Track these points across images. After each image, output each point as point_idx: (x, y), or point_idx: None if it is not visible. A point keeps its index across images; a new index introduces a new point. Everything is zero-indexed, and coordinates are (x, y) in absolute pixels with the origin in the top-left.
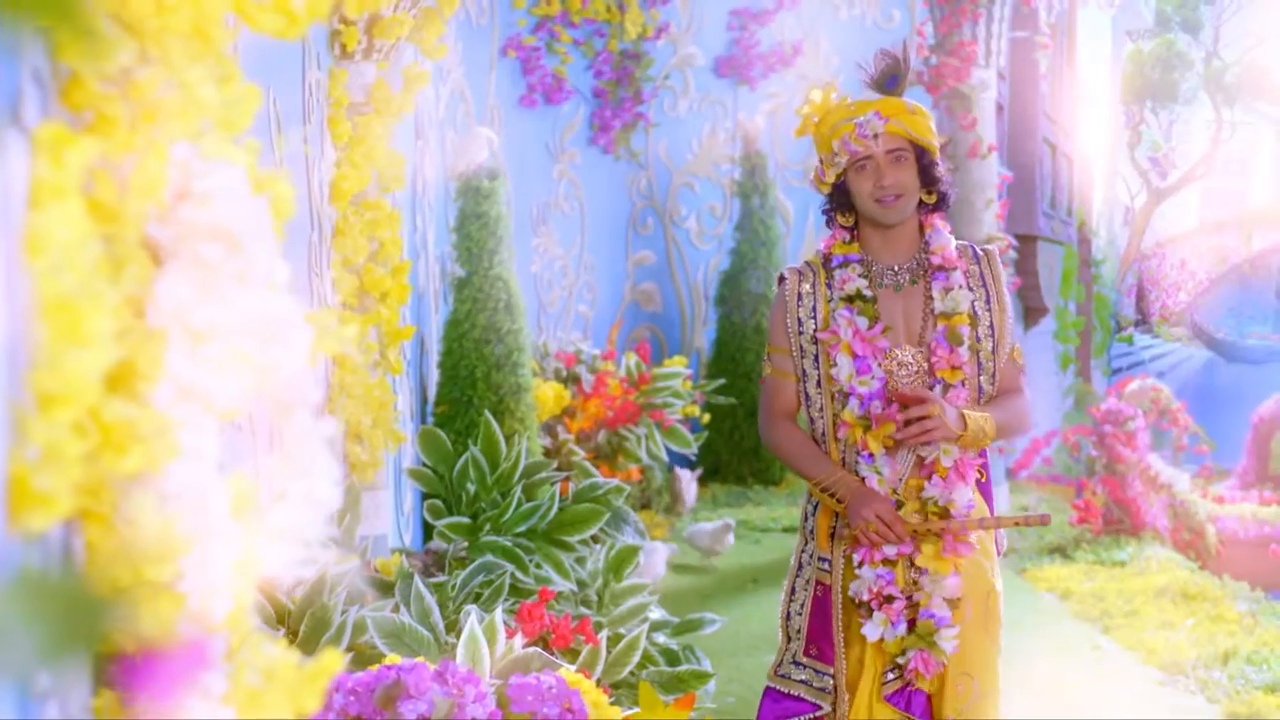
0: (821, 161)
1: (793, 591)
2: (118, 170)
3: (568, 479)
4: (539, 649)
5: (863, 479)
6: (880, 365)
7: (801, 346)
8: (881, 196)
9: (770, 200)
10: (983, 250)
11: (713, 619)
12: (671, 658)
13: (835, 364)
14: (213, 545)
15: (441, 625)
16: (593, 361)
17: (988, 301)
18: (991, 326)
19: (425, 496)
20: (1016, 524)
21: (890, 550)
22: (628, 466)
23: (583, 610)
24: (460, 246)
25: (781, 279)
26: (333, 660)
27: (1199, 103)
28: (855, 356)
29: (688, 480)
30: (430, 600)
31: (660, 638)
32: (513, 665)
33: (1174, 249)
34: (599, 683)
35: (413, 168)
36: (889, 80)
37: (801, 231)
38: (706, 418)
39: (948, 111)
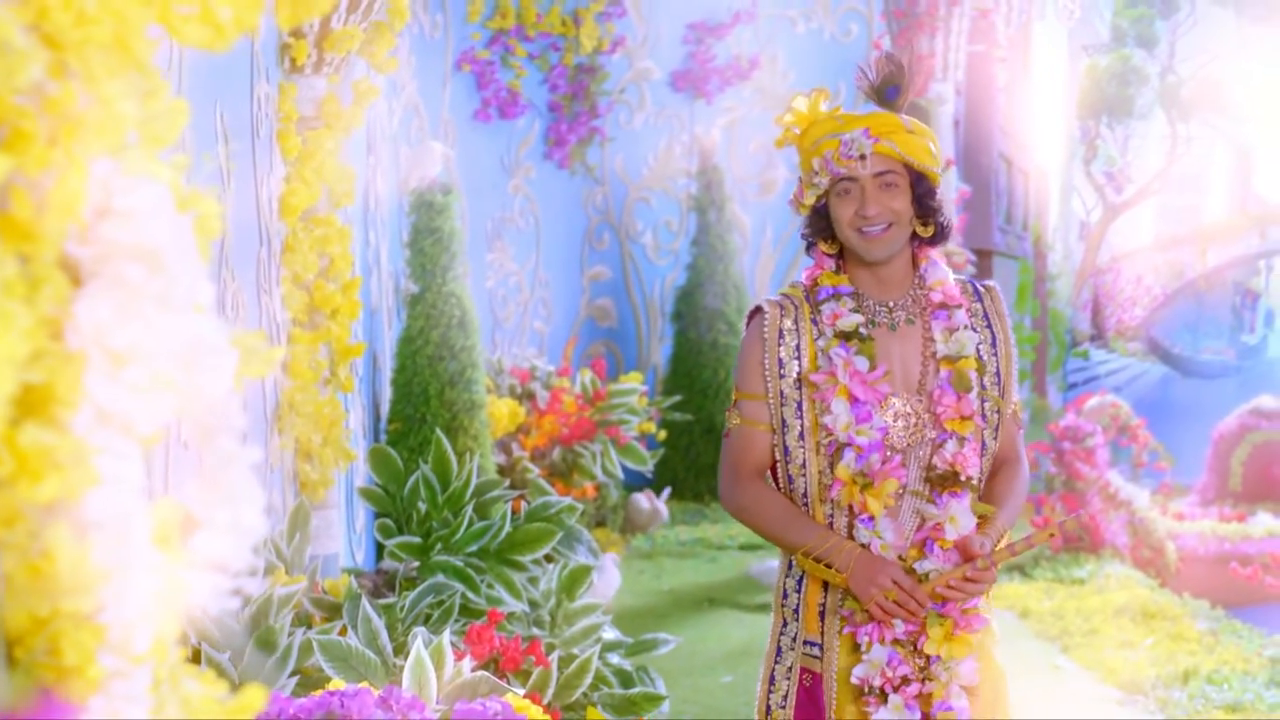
0: (801, 179)
1: (772, 681)
2: (35, 187)
3: (521, 497)
4: (487, 673)
5: (864, 545)
6: (878, 414)
7: (782, 392)
8: (863, 227)
9: (727, 215)
10: (984, 286)
11: (667, 639)
12: (625, 679)
13: (830, 411)
14: (134, 575)
15: (390, 648)
16: (548, 378)
17: (993, 345)
18: (998, 374)
19: (377, 515)
20: (1052, 535)
21: (900, 628)
22: (583, 484)
23: (535, 631)
24: (413, 262)
25: (757, 312)
26: (256, 696)
27: (1154, 118)
28: (855, 402)
29: (654, 500)
30: (378, 622)
31: (614, 658)
32: (460, 689)
33: (1129, 264)
34: (550, 705)
35: (365, 183)
36: (889, 90)
37: (758, 246)
38: (663, 434)
39: None
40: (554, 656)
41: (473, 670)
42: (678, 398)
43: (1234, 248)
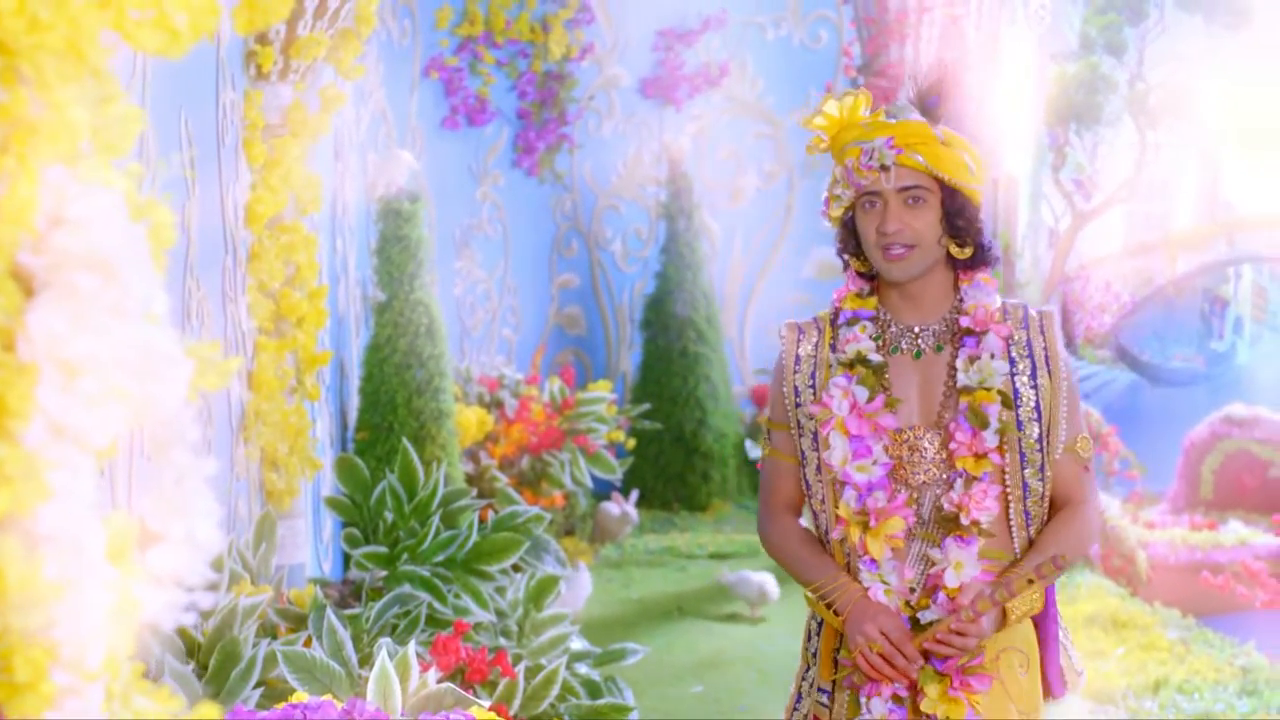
0: (829, 188)
1: None
2: None
3: (489, 506)
4: (453, 684)
5: (866, 589)
6: (888, 450)
7: (799, 423)
8: (886, 244)
9: (696, 223)
10: (1037, 312)
11: (635, 649)
12: (593, 689)
13: (829, 445)
14: (87, 591)
15: (355, 659)
16: (516, 386)
17: (1033, 376)
18: (1038, 408)
19: (344, 525)
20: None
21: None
22: (551, 493)
23: (502, 641)
24: (381, 270)
25: (781, 336)
26: (210, 713)
27: (1123, 125)
28: (850, 436)
29: (623, 504)
30: (343, 633)
31: (582, 669)
32: (425, 701)
33: (1098, 271)
34: (516, 717)
35: (332, 190)
36: (931, 99)
37: (728, 254)
38: (632, 443)
39: None
40: (521, 667)
41: (438, 682)
42: (647, 406)
43: (1203, 255)
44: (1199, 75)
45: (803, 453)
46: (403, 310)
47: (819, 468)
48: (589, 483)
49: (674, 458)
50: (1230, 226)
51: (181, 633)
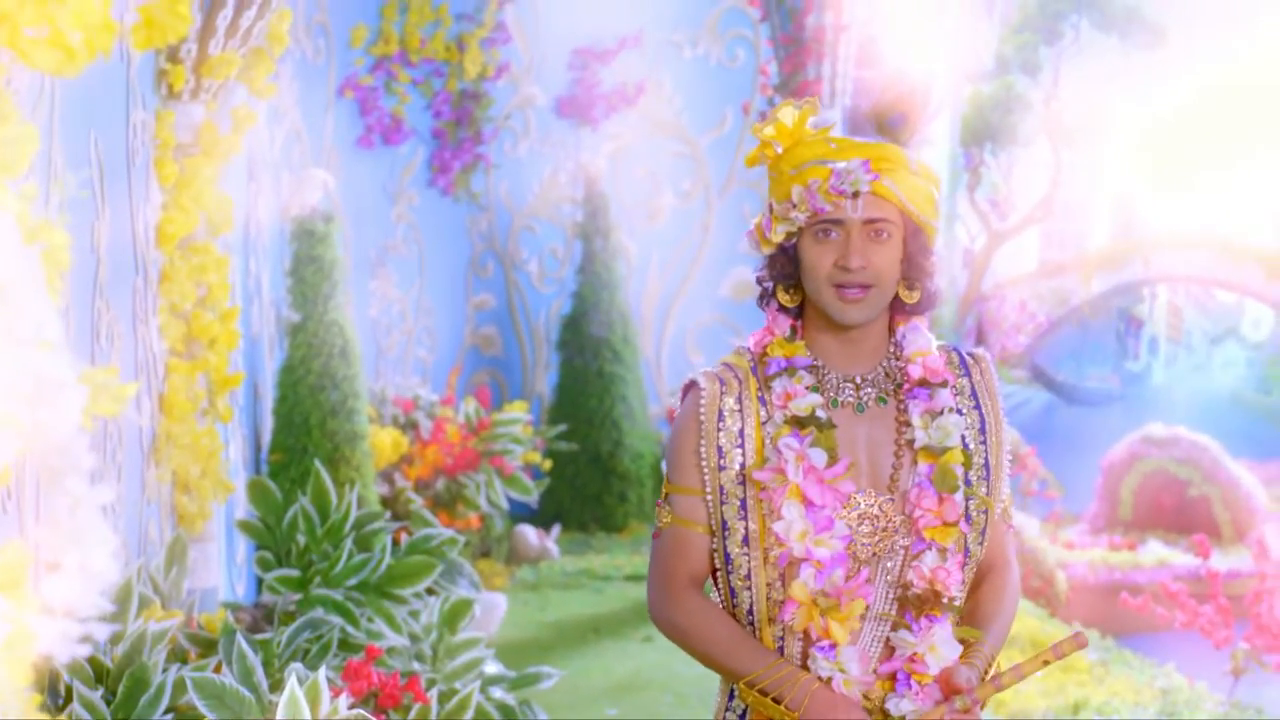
0: (771, 208)
1: None
2: None
3: (404, 528)
4: (364, 710)
5: (824, 679)
6: (840, 518)
7: (722, 488)
8: (844, 282)
9: (613, 243)
10: (971, 356)
11: (551, 673)
12: (508, 713)
13: (781, 516)
14: None
15: (265, 685)
16: (431, 408)
17: (982, 430)
18: (986, 466)
19: (258, 548)
20: (1047, 663)
21: None
22: (467, 515)
23: (415, 666)
24: (295, 291)
25: (692, 386)
26: None
27: (1038, 145)
28: (810, 506)
29: (544, 538)
30: (253, 658)
31: (497, 693)
32: None
33: (1014, 291)
34: None
35: (245, 210)
36: (893, 118)
37: (645, 274)
38: (548, 464)
39: None
40: (434, 692)
41: (350, 708)
42: (563, 427)
43: (1118, 274)
44: (1114, 95)
45: (724, 522)
46: (317, 331)
47: (746, 538)
48: (505, 505)
49: (590, 479)
50: (1145, 246)
51: (90, 658)
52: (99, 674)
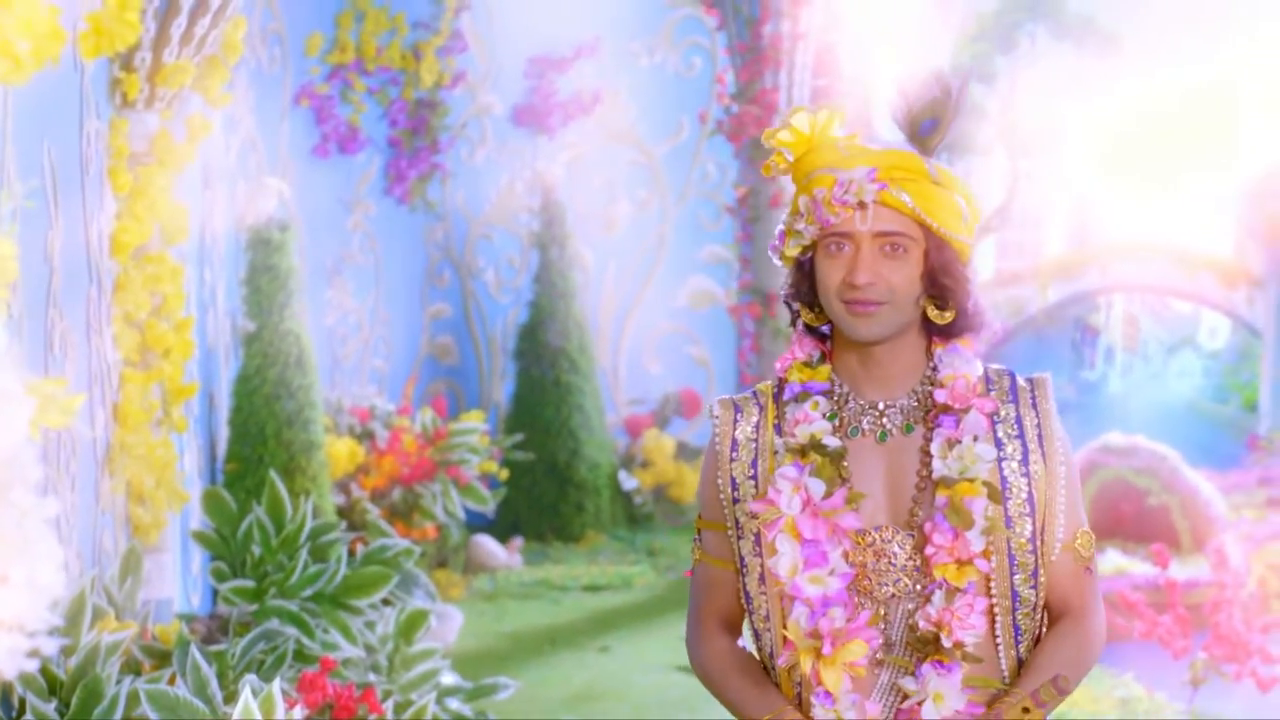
0: (785, 221)
1: None
2: None
3: (360, 539)
4: None
5: None
6: (848, 556)
7: (738, 522)
8: (852, 299)
9: (569, 252)
10: (1028, 380)
11: (507, 684)
12: None
13: (775, 551)
14: None
15: (220, 697)
16: (388, 417)
17: (1025, 461)
18: (1031, 499)
19: (213, 559)
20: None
21: None
22: (424, 525)
23: (371, 677)
24: (250, 300)
25: (715, 416)
26: None
27: (995, 153)
28: (803, 541)
29: (509, 549)
30: (208, 670)
31: (453, 704)
32: None
33: None
34: None
35: (201, 219)
36: (925, 123)
37: (601, 283)
38: (505, 474)
39: (749, 161)
40: (390, 703)
41: (304, 719)
42: (520, 436)
43: (1074, 284)
44: (1070, 104)
45: (742, 559)
46: (272, 340)
47: (762, 577)
48: (461, 514)
49: (547, 488)
50: (1102, 256)
51: (43, 670)
52: (52, 686)
